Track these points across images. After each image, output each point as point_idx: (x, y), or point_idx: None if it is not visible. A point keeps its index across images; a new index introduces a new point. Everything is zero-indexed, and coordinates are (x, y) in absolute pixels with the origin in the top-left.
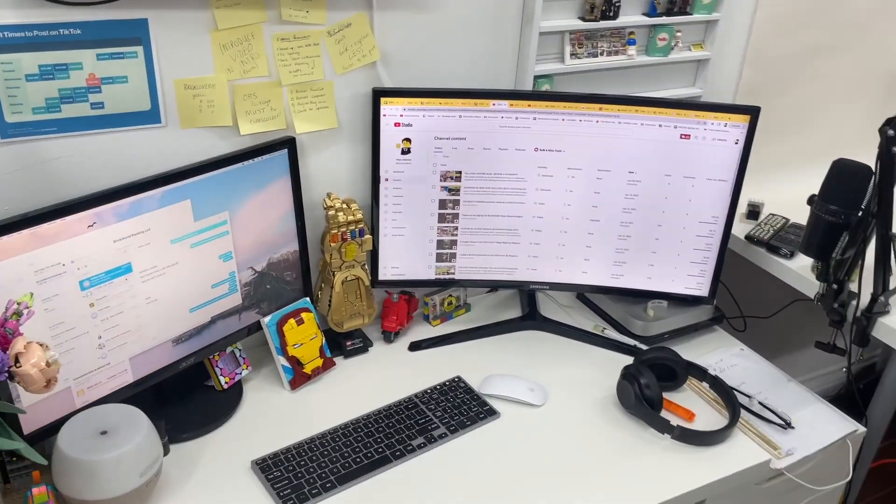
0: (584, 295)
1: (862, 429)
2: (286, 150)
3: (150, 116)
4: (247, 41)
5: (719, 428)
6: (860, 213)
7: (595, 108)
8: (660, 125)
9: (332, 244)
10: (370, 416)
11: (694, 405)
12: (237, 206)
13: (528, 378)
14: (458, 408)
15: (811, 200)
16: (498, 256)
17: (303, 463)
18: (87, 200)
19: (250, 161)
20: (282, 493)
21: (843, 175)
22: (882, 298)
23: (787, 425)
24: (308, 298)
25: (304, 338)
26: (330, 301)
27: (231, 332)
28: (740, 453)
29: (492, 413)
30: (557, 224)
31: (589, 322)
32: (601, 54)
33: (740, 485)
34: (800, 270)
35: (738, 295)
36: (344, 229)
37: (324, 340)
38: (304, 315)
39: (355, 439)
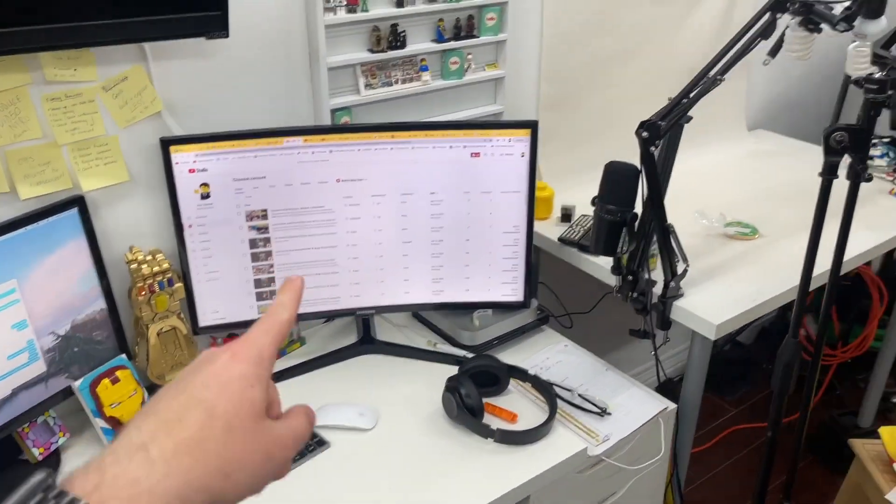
0: (419, 312)
1: (672, 406)
2: (75, 210)
3: None
4: (12, 105)
5: (538, 424)
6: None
7: (387, 136)
8: (450, 146)
9: (139, 298)
10: None
11: (519, 406)
12: (26, 272)
13: (360, 403)
14: None
15: (593, 202)
16: (319, 287)
17: None
18: None
19: (34, 225)
20: None
21: (615, 176)
22: (673, 284)
23: (603, 412)
24: (124, 355)
25: (122, 396)
26: (147, 355)
27: (39, 402)
28: (560, 445)
29: (321, 444)
30: (372, 249)
31: (423, 338)
32: (396, 82)
33: (563, 476)
34: (607, 266)
35: (561, 294)
36: (151, 281)
37: (145, 395)
38: (119, 373)
39: None
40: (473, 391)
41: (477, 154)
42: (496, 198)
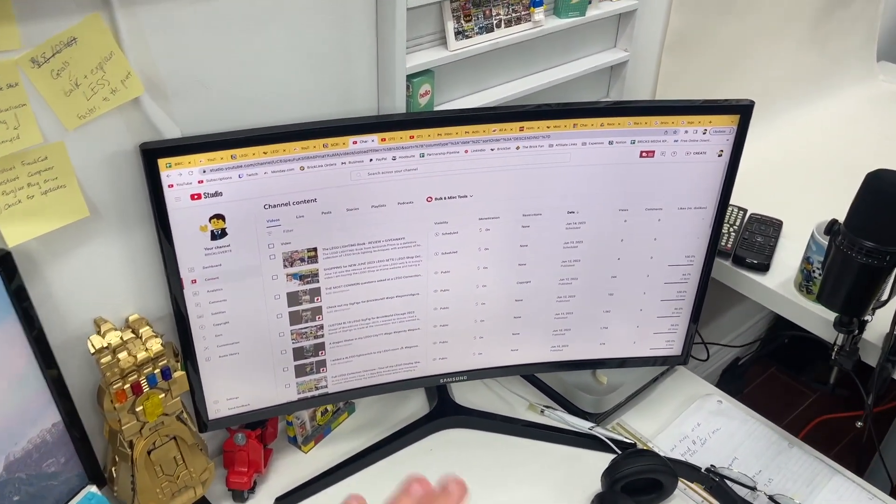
0: None
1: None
2: None
3: None
4: None
5: None
6: None
7: (514, 128)
8: (610, 142)
9: (116, 406)
10: None
11: None
12: None
13: None
14: None
15: (832, 230)
16: (389, 352)
17: None
18: None
19: None
20: None
21: (885, 198)
22: None
23: None
24: (94, 487)
25: None
26: (133, 484)
27: None
28: None
29: None
30: (471, 295)
31: (520, 400)
32: (498, 26)
33: None
34: (779, 289)
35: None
36: (134, 378)
37: None
38: None
39: None
40: None
41: (650, 153)
42: (668, 217)
